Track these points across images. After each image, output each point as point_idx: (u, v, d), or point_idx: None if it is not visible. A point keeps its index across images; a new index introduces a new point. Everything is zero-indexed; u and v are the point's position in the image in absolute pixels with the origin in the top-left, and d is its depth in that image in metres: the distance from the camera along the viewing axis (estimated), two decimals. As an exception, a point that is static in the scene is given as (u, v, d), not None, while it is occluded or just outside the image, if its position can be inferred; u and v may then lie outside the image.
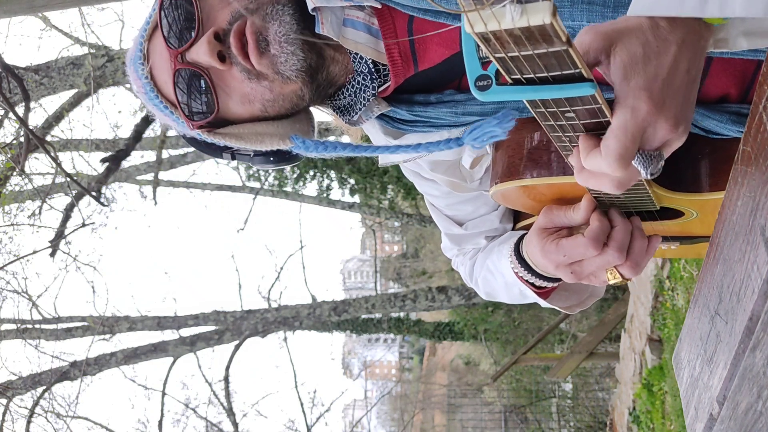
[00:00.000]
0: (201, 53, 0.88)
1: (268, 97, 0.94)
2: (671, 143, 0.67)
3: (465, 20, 0.47)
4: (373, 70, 0.96)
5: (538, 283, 1.06)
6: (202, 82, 0.92)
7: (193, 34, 0.90)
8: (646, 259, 0.96)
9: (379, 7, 0.92)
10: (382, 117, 1.02)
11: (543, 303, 1.13)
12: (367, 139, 1.22)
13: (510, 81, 0.56)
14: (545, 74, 0.54)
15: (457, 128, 1.01)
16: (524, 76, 0.54)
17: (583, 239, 0.91)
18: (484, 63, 0.56)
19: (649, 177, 0.65)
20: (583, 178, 0.70)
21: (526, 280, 1.07)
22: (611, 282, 0.97)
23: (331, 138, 10.06)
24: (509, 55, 0.51)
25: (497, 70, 0.55)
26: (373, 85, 0.96)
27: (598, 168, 0.66)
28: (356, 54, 0.95)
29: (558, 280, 1.06)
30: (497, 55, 0.51)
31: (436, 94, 0.98)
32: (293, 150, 0.98)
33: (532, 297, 1.11)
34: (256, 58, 0.88)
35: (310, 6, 0.89)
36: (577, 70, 0.53)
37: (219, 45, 0.89)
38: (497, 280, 1.16)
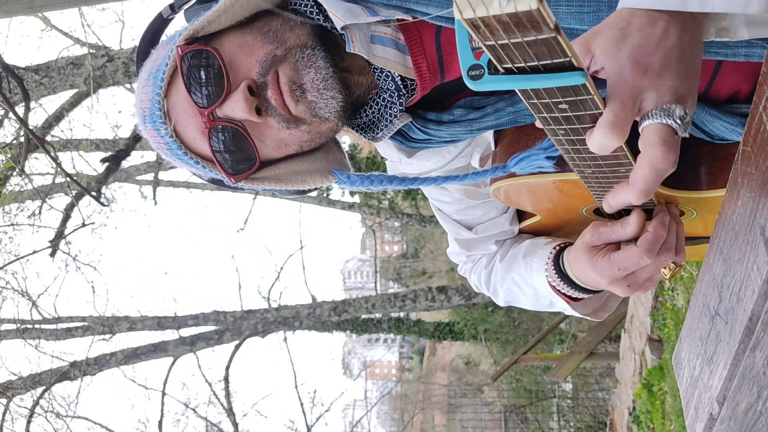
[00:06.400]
0: (238, 110, 0.86)
1: (305, 138, 0.92)
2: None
3: (454, 6, 0.47)
4: (401, 86, 0.93)
5: (576, 294, 1.06)
6: (240, 136, 0.90)
7: (224, 90, 0.86)
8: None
9: (411, 20, 0.89)
10: (395, 136, 1.01)
11: (571, 312, 1.13)
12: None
13: (502, 70, 0.56)
14: (536, 63, 0.54)
15: (471, 138, 1.01)
16: (515, 65, 0.54)
17: (638, 250, 0.90)
18: (477, 53, 0.56)
19: (677, 126, 0.63)
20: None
21: (564, 293, 1.07)
22: (668, 276, 0.96)
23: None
24: (499, 42, 0.51)
25: (489, 60, 0.55)
26: (400, 101, 0.94)
27: (598, 144, 0.63)
28: (381, 71, 0.93)
29: (598, 291, 1.05)
30: (488, 43, 0.51)
31: (448, 114, 0.97)
32: (338, 185, 0.97)
33: (561, 307, 1.11)
34: (292, 104, 0.87)
35: (339, 25, 0.87)
36: (567, 59, 0.53)
37: (255, 99, 0.86)
38: (525, 292, 1.15)
